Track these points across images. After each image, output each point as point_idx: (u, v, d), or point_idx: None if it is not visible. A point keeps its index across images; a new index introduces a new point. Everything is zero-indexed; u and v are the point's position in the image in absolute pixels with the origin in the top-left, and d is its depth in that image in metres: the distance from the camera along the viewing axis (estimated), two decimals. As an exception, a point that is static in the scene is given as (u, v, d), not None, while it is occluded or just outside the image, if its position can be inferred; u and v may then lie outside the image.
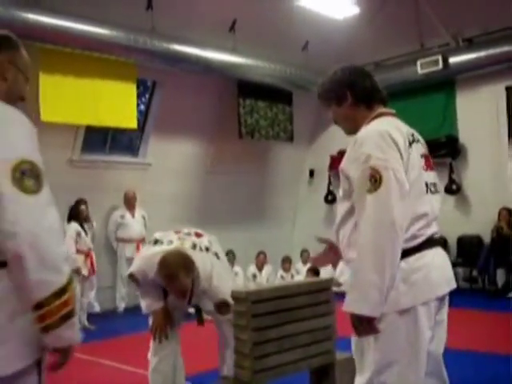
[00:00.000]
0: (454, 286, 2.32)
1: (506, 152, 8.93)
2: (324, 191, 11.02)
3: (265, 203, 10.79)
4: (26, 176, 1.70)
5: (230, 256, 9.26)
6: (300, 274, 9.49)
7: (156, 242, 3.63)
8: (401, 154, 2.15)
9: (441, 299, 2.25)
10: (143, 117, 9.09)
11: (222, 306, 3.41)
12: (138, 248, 8.00)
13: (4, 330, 1.66)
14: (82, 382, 4.91)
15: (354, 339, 2.25)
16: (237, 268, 9.14)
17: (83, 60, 7.39)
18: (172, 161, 9.21)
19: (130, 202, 8.55)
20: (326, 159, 10.93)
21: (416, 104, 9.88)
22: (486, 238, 8.82)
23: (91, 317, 7.51)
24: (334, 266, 3.33)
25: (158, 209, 8.69)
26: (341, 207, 2.29)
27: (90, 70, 7.53)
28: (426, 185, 2.27)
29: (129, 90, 7.97)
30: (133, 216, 8.48)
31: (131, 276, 3.60)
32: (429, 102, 9.76)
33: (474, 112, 9.24)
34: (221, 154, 9.82)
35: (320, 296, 3.39)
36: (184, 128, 9.18)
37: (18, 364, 1.68)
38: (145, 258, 3.56)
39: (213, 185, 9.60)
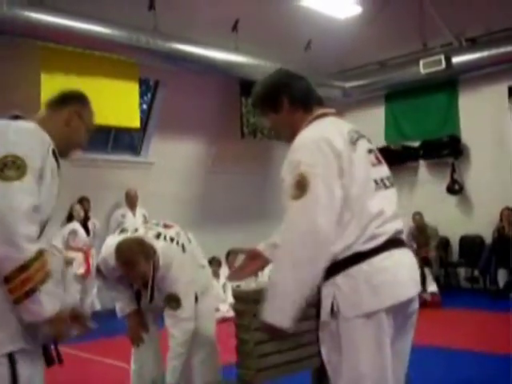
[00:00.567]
0: (419, 289, 2.18)
1: (508, 152, 8.92)
2: (326, 191, 11.01)
3: (267, 203, 10.77)
4: (7, 167, 1.91)
5: (232, 255, 9.26)
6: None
7: (122, 230, 3.56)
8: (339, 158, 2.03)
9: (408, 304, 2.10)
10: (145, 116, 9.09)
11: (171, 300, 3.30)
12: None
13: None
14: (83, 380, 4.92)
15: (323, 350, 2.12)
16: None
17: (85, 59, 7.39)
18: (174, 160, 9.20)
19: (131, 201, 8.54)
20: (328, 159, 10.93)
21: (418, 104, 9.89)
22: (488, 238, 8.82)
23: (92, 315, 7.51)
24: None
25: (160, 208, 8.68)
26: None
27: (92, 69, 7.52)
28: (376, 181, 2.12)
29: (131, 90, 7.97)
30: (134, 215, 8.49)
31: (97, 267, 3.50)
32: (431, 102, 9.76)
33: (477, 112, 9.23)
34: (223, 154, 9.82)
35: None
36: (186, 127, 9.18)
37: None
38: (106, 246, 3.43)
39: (215, 184, 9.60)
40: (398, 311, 2.04)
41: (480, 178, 9.20)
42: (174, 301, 3.30)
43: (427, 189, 9.85)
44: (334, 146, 2.04)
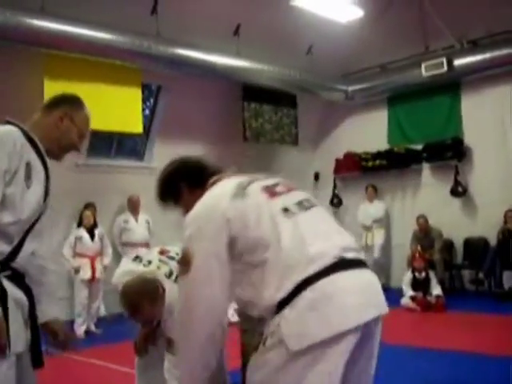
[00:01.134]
0: (384, 310, 2.02)
1: (511, 153, 8.91)
2: (329, 195, 11.02)
3: (270, 207, 10.78)
4: None
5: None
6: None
7: (136, 258, 3.45)
8: (228, 222, 1.95)
9: (367, 328, 1.92)
10: (148, 121, 9.11)
11: (170, 345, 3.00)
12: (141, 252, 8.03)
13: None
14: (88, 386, 4.92)
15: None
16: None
17: (88, 65, 7.42)
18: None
19: (133, 207, 8.53)
20: (331, 162, 10.94)
21: (421, 107, 9.89)
22: (492, 241, 8.80)
23: (97, 321, 7.53)
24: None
25: (164, 213, 8.64)
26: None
27: (95, 75, 7.55)
28: (285, 209, 2.01)
29: (134, 95, 8.00)
30: (136, 220, 8.47)
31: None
32: (434, 105, 9.76)
33: (480, 114, 9.22)
34: (225, 158, 9.78)
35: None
36: (189, 132, 9.19)
37: None
38: (117, 273, 3.40)
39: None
40: (351, 338, 1.85)
41: (484, 180, 9.18)
42: (173, 346, 3.01)
43: (431, 191, 9.84)
44: (219, 213, 1.99)
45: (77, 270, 7.31)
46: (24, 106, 7.28)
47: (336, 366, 1.82)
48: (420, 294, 7.89)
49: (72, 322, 7.35)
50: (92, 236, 7.51)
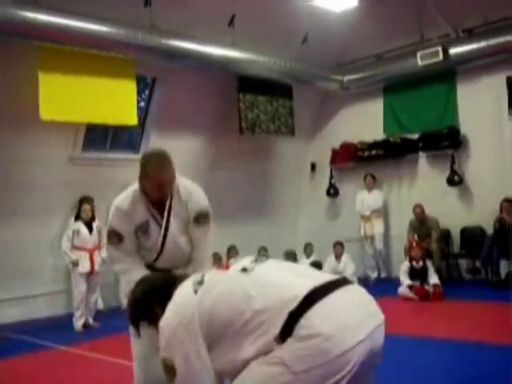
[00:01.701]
0: (379, 319, 2.06)
1: (507, 142, 8.91)
2: (326, 185, 11.03)
3: (267, 198, 10.79)
4: None
5: (233, 251, 9.27)
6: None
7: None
8: (196, 320, 2.08)
9: (371, 341, 1.97)
10: (143, 113, 9.08)
11: (201, 216, 3.33)
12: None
13: None
14: (87, 379, 4.92)
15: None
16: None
17: (82, 58, 7.37)
18: (173, 157, 9.13)
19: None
20: (327, 153, 10.94)
21: (417, 96, 9.88)
22: (489, 229, 8.80)
23: (95, 314, 7.53)
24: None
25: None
26: None
27: (89, 67, 7.51)
28: (244, 269, 2.18)
29: (128, 87, 7.96)
30: (132, 213, 8.49)
31: (111, 233, 3.36)
32: (429, 94, 9.74)
33: (475, 103, 9.21)
34: (222, 150, 9.81)
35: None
36: (184, 124, 9.17)
37: None
38: (118, 200, 3.45)
39: (214, 180, 9.58)
40: (356, 353, 1.91)
41: (480, 168, 9.19)
42: (203, 216, 3.36)
43: (427, 181, 9.85)
44: (187, 313, 2.11)
45: (75, 264, 7.31)
46: (19, 98, 7.29)
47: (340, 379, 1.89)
48: (417, 283, 7.90)
49: (70, 316, 7.36)
50: (90, 229, 7.50)
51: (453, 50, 8.90)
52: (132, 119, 8.03)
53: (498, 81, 8.93)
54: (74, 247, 7.38)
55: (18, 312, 7.65)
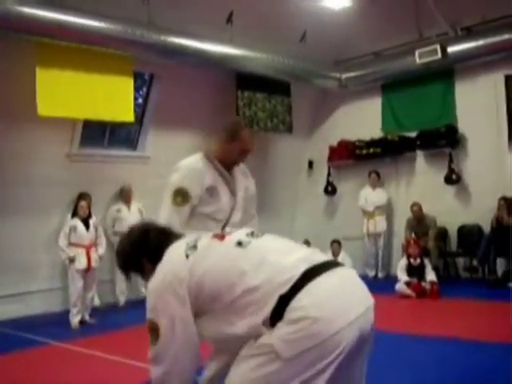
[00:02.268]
0: (369, 302, 2.05)
1: (505, 141, 8.91)
2: (323, 182, 11.01)
3: (264, 195, 10.74)
4: None
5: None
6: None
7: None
8: (184, 284, 2.10)
9: (360, 324, 1.96)
10: (141, 110, 9.06)
11: (253, 200, 3.64)
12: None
13: None
14: (83, 376, 4.91)
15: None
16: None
17: (80, 54, 7.36)
18: (171, 153, 9.12)
19: (126, 196, 8.57)
20: (325, 150, 10.93)
21: (415, 94, 9.88)
22: (487, 228, 8.81)
23: (92, 311, 7.52)
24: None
25: (158, 202, 8.65)
26: None
27: (87, 63, 7.49)
28: (239, 243, 2.15)
29: (125, 84, 7.93)
30: (129, 210, 8.50)
31: (178, 192, 3.40)
32: (428, 92, 9.74)
33: (474, 101, 9.21)
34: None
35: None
36: (182, 121, 9.15)
37: None
38: (188, 162, 3.57)
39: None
40: (346, 336, 1.91)
41: (477, 167, 9.19)
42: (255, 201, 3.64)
43: (425, 179, 9.84)
44: (178, 276, 2.12)
45: (72, 260, 7.29)
46: (17, 94, 7.27)
47: (329, 365, 1.88)
48: (415, 280, 7.91)
49: (67, 312, 7.34)
50: (87, 226, 7.48)
51: (451, 49, 8.89)
52: (129, 116, 8.01)
53: (496, 79, 8.94)
54: (71, 244, 7.36)
55: (14, 308, 7.63)
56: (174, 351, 2.12)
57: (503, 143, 8.94)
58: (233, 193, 3.44)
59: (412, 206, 9.27)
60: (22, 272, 7.76)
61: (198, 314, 2.11)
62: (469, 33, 8.93)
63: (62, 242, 7.37)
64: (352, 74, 10.25)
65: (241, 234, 2.24)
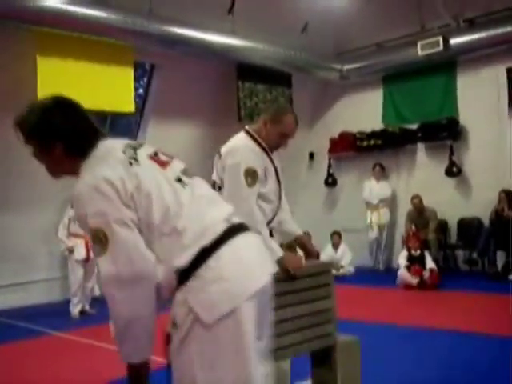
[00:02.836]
0: (272, 268, 2.03)
1: (506, 134, 8.90)
2: (324, 174, 11.01)
3: (264, 186, 10.76)
4: None
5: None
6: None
7: None
8: (124, 191, 1.88)
9: (264, 291, 1.94)
10: (142, 100, 9.04)
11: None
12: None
13: None
14: (83, 365, 4.93)
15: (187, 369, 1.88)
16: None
17: (80, 43, 7.35)
18: (171, 144, 9.10)
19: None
20: (326, 142, 10.91)
21: (417, 86, 9.85)
22: (487, 221, 8.81)
23: (92, 301, 7.53)
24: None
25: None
26: None
27: (88, 53, 7.47)
28: (179, 179, 2.01)
29: (126, 74, 7.92)
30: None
31: (247, 172, 3.27)
32: (429, 84, 9.71)
33: (475, 94, 9.18)
34: (220, 137, 9.72)
35: (320, 279, 3.37)
36: (183, 111, 9.13)
37: None
38: (244, 143, 3.42)
39: (212, 168, 9.58)
40: (257, 301, 1.89)
41: (478, 160, 9.18)
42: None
43: (425, 171, 9.83)
44: (113, 182, 1.90)
45: (71, 250, 7.31)
46: (17, 83, 7.24)
47: (250, 327, 1.85)
48: (416, 266, 7.91)
49: (67, 302, 7.36)
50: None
51: (453, 41, 8.87)
52: (129, 106, 7.99)
53: (498, 72, 8.91)
54: (71, 234, 7.38)
55: (14, 298, 7.65)
56: (137, 256, 1.86)
57: (504, 136, 8.92)
58: (277, 174, 3.47)
59: (412, 199, 9.27)
60: (22, 262, 7.77)
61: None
62: (471, 25, 8.90)
63: (62, 232, 7.42)
64: (353, 66, 10.22)
65: (177, 168, 2.08)
